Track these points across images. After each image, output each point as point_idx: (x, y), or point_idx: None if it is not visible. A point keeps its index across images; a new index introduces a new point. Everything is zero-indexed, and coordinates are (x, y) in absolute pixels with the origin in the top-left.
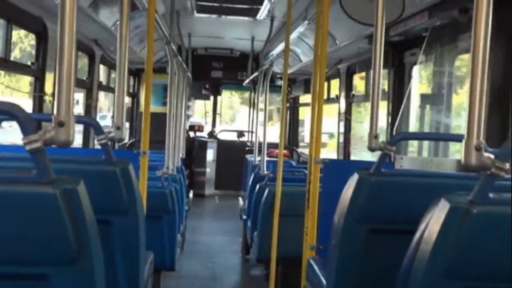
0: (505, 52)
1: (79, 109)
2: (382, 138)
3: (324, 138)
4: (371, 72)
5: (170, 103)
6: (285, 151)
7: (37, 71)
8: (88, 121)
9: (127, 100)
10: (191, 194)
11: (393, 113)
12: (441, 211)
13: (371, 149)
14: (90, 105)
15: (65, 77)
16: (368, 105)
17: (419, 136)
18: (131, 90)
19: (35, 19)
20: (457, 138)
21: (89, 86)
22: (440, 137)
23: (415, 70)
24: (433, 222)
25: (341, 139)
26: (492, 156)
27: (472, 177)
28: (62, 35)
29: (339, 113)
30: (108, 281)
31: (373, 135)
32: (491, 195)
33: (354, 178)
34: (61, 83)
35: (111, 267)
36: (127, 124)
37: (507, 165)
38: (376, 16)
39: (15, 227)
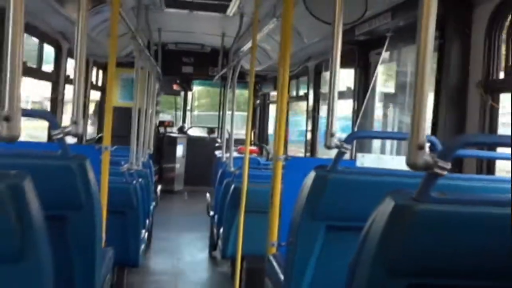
0: (460, 52)
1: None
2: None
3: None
4: (329, 71)
5: (136, 97)
6: (254, 148)
7: None
8: (41, 114)
9: (97, 94)
10: (158, 190)
11: (358, 111)
12: (386, 209)
13: (327, 147)
14: (56, 99)
15: (9, 68)
16: (341, 102)
17: (371, 135)
18: (100, 84)
19: None
20: (404, 137)
21: (55, 80)
22: (390, 136)
23: (379, 69)
24: (378, 220)
25: (309, 136)
26: (435, 156)
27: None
28: (7, 22)
29: (307, 111)
30: (64, 277)
31: (329, 133)
32: (434, 194)
33: (311, 175)
34: (6, 75)
35: (66, 262)
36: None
37: (449, 164)
38: (334, 15)
39: None
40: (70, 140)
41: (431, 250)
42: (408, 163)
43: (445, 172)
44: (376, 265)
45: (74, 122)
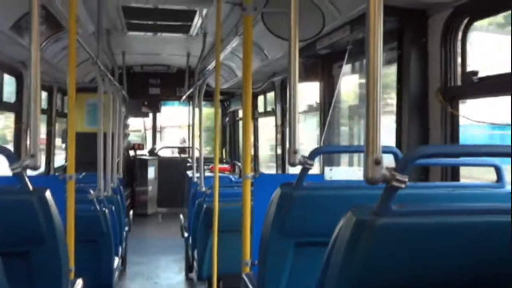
0: (418, 61)
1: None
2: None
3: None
4: (287, 86)
5: (101, 122)
6: (226, 166)
7: None
8: None
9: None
10: (131, 214)
11: (324, 125)
12: (348, 224)
13: (291, 164)
14: (20, 129)
15: None
16: (309, 117)
17: (333, 150)
18: (66, 111)
19: None
20: (362, 150)
21: (18, 109)
22: (351, 150)
23: (343, 82)
24: (341, 236)
25: (279, 152)
26: (392, 169)
27: None
28: None
29: (276, 126)
30: None
31: (292, 151)
32: (394, 206)
33: (277, 193)
34: None
35: None
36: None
37: (406, 177)
38: (290, 32)
39: None
40: (34, 172)
41: (394, 263)
42: (366, 178)
43: (403, 185)
44: (341, 281)
45: (32, 155)
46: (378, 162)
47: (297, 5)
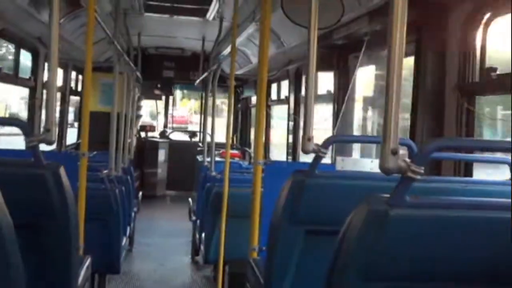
0: (436, 55)
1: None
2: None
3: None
4: (305, 74)
5: (115, 102)
6: (237, 152)
7: None
8: (12, 122)
9: (77, 99)
10: (140, 195)
11: (338, 115)
12: (360, 214)
13: (305, 151)
14: (34, 105)
15: None
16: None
17: (348, 139)
18: (79, 89)
19: None
20: (379, 140)
21: (33, 85)
22: (366, 140)
23: (358, 72)
24: (352, 225)
25: (291, 140)
26: (408, 160)
27: None
28: None
29: (288, 114)
30: (39, 286)
31: (306, 138)
32: (408, 198)
33: (289, 180)
34: None
35: (41, 271)
36: (75, 124)
37: (422, 169)
38: (310, 20)
39: None
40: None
41: (406, 254)
42: (381, 168)
43: (418, 176)
44: (351, 270)
45: (47, 130)
46: (394, 152)
47: None
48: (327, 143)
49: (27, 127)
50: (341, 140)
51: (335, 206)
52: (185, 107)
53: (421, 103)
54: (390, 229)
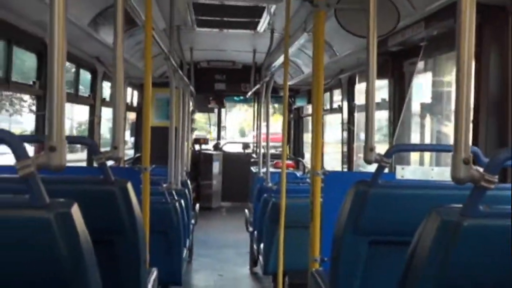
0: (499, 60)
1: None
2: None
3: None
4: (364, 83)
5: (172, 117)
6: (290, 162)
7: (38, 90)
8: (83, 141)
9: (133, 115)
10: (197, 208)
11: (394, 123)
12: (432, 225)
13: (367, 161)
14: (93, 122)
15: (55, 100)
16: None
17: (413, 148)
18: (135, 105)
19: (36, 39)
20: (449, 149)
21: (92, 103)
22: (433, 148)
23: (414, 79)
24: (424, 236)
25: (346, 149)
26: (481, 169)
27: (469, 187)
28: (51, 56)
29: (342, 123)
30: None
31: (368, 148)
32: (481, 207)
33: (352, 190)
34: (51, 106)
35: (114, 285)
36: (132, 139)
37: (496, 178)
38: (368, 28)
39: (8, 251)
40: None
41: (479, 265)
42: (454, 178)
43: (492, 186)
44: (424, 280)
45: (115, 147)
46: (467, 162)
47: (375, 1)
48: (390, 152)
49: (95, 145)
50: (405, 149)
51: (399, 216)
52: (276, 122)
53: (483, 107)
54: (463, 240)
